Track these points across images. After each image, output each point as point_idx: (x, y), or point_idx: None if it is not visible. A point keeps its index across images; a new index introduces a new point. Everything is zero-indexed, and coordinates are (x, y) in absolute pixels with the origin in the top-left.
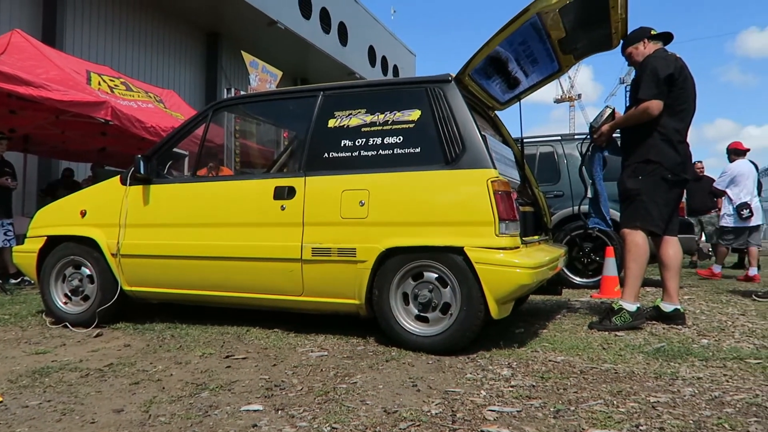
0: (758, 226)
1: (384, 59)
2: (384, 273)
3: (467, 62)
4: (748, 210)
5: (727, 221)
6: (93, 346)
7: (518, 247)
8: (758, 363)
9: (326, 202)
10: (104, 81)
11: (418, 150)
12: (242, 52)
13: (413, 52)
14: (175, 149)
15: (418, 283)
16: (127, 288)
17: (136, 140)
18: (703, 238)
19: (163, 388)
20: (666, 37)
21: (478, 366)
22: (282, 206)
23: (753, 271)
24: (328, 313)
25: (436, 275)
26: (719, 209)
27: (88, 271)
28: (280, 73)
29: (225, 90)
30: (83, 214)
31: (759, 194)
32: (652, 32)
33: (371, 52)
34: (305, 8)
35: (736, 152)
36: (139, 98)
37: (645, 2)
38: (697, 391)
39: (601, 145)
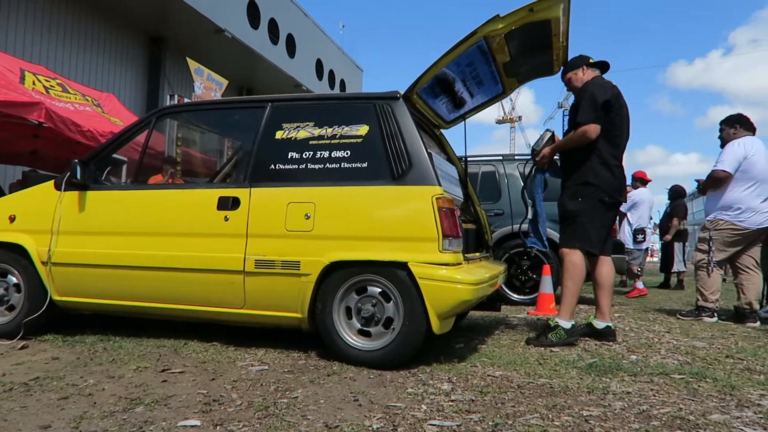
0: (647, 248)
1: (331, 73)
2: (328, 286)
3: (415, 81)
4: (642, 236)
5: (624, 242)
6: (18, 358)
7: (460, 264)
8: (682, 378)
9: (271, 214)
10: (39, 81)
11: (365, 165)
12: (187, 58)
13: (360, 67)
14: (114, 155)
15: (361, 297)
16: (57, 298)
17: (71, 144)
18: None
19: (95, 403)
20: (603, 66)
21: (419, 380)
22: (225, 217)
23: (640, 284)
24: (270, 326)
25: (380, 290)
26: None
27: (15, 280)
28: (225, 82)
29: (168, 97)
30: (12, 219)
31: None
32: (591, 60)
33: (319, 65)
34: (254, 18)
35: (641, 181)
36: (76, 101)
37: (584, 32)
38: (626, 405)
39: (542, 168)
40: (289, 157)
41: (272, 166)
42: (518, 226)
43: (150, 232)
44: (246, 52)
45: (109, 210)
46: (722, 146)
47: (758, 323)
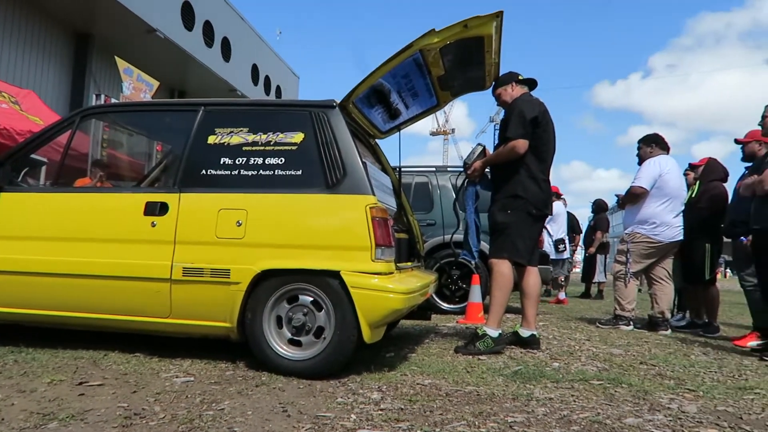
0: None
1: (267, 79)
2: (258, 295)
3: (352, 90)
4: (563, 245)
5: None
6: None
7: (392, 273)
8: (600, 384)
9: (201, 220)
10: None
11: (299, 172)
12: (116, 57)
13: (297, 74)
14: (33, 156)
15: (292, 307)
16: None
17: None
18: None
19: (2, 419)
20: (531, 83)
21: (349, 390)
22: (152, 222)
23: (562, 295)
24: (197, 336)
25: (312, 299)
26: (575, 243)
27: None
28: (156, 84)
29: (94, 96)
30: None
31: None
32: (520, 77)
33: (254, 70)
34: (188, 19)
35: (555, 195)
36: None
37: (514, 51)
38: (548, 411)
39: (474, 181)
40: (222, 162)
41: (204, 172)
42: (450, 236)
43: (69, 237)
44: (179, 53)
45: (26, 213)
46: (640, 164)
47: (669, 331)
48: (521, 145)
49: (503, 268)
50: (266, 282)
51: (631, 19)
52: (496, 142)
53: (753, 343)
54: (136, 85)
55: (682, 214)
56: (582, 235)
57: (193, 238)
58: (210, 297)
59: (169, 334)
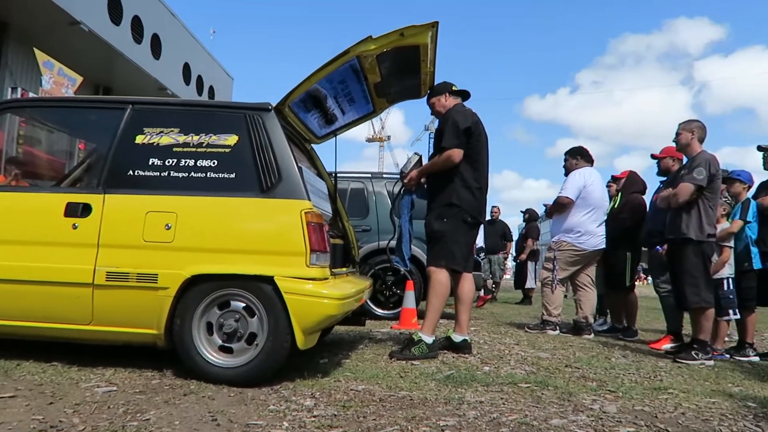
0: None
1: (200, 79)
2: (188, 301)
3: (288, 94)
4: (483, 253)
5: None
6: None
7: (327, 279)
8: (528, 387)
9: (127, 222)
10: None
11: (232, 176)
12: (35, 49)
13: (231, 75)
14: None
15: (224, 312)
16: None
17: None
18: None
19: None
20: (464, 94)
21: (281, 397)
22: (74, 224)
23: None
24: (121, 343)
25: (244, 304)
26: (506, 251)
27: None
28: (80, 79)
29: (10, 89)
30: None
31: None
32: (454, 88)
33: (186, 69)
34: (115, 13)
35: None
36: None
37: (449, 61)
38: (479, 414)
39: (410, 189)
40: (150, 163)
41: (131, 172)
42: (387, 243)
43: None
44: (105, 48)
45: None
46: (566, 175)
47: (592, 335)
48: (456, 154)
49: (441, 276)
50: (196, 287)
51: (561, 36)
52: (431, 151)
53: (667, 345)
54: (57, 80)
55: (604, 224)
56: (513, 243)
57: (118, 241)
58: (136, 303)
59: (91, 342)
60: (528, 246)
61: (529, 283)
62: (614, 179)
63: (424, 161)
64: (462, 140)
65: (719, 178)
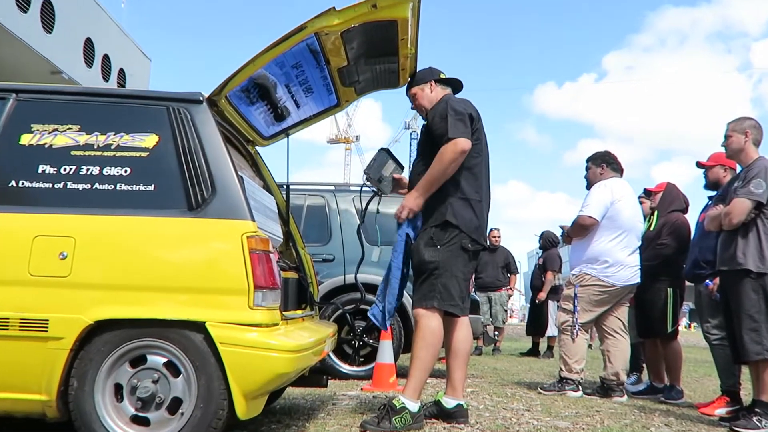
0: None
1: (107, 59)
2: (89, 356)
3: (225, 81)
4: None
5: None
6: None
7: (277, 324)
8: None
9: (7, 250)
10: None
11: (151, 188)
12: None
13: (149, 56)
14: None
15: (138, 371)
16: None
17: None
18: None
19: None
20: (455, 84)
21: None
22: None
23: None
24: None
25: (165, 360)
26: (511, 287)
27: None
28: None
29: None
30: None
31: None
32: (441, 75)
33: (89, 47)
34: None
35: None
36: None
37: (436, 41)
38: None
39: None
40: (40, 171)
41: (12, 183)
42: (355, 270)
43: None
44: None
45: None
46: (588, 187)
47: (626, 397)
48: (465, 144)
49: (432, 322)
50: (101, 337)
51: (584, 7)
52: (414, 157)
53: (721, 410)
54: None
55: (638, 252)
56: (519, 275)
57: None
58: (17, 359)
59: None
60: (548, 280)
61: (552, 330)
62: (648, 194)
63: (406, 166)
64: (468, 127)
65: None
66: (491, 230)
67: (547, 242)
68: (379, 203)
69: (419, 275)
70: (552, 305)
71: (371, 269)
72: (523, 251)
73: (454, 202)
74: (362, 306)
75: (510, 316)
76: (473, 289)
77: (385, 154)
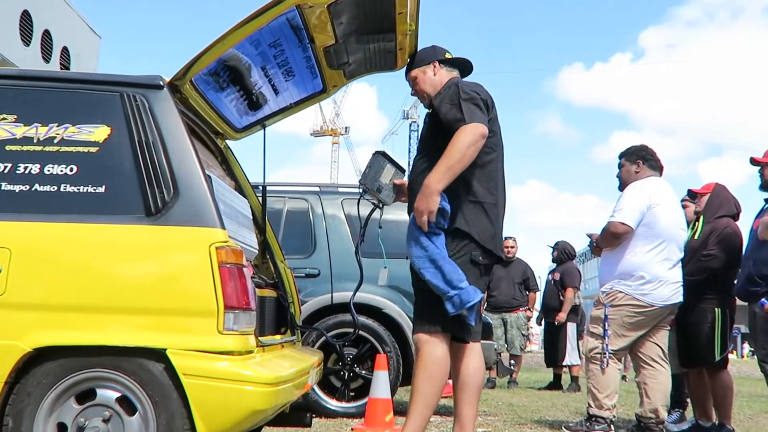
0: None
1: (47, 36)
2: (27, 389)
3: (189, 62)
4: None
5: None
6: None
7: (251, 352)
8: None
9: None
10: None
11: (101, 190)
12: None
13: (98, 33)
14: None
15: (86, 407)
16: None
17: None
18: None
19: None
20: (463, 65)
21: None
22: None
23: None
24: None
25: (118, 394)
26: (530, 307)
27: None
28: None
29: None
30: None
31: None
32: (447, 55)
33: (26, 21)
34: None
35: None
36: None
37: (445, 18)
38: None
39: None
40: None
41: None
42: (351, 295)
43: None
44: None
45: None
46: (621, 188)
47: None
48: (485, 129)
49: (436, 349)
50: (41, 367)
51: None
52: (416, 155)
53: None
54: None
55: (680, 265)
56: (540, 295)
57: None
58: None
59: None
60: (568, 299)
61: (570, 358)
62: (693, 196)
63: (407, 169)
64: (485, 114)
65: None
66: (506, 239)
67: (564, 254)
68: (381, 216)
69: (420, 294)
70: (571, 328)
71: (373, 288)
72: (544, 264)
73: (465, 206)
74: (353, 330)
75: (529, 342)
76: (485, 310)
77: (382, 158)
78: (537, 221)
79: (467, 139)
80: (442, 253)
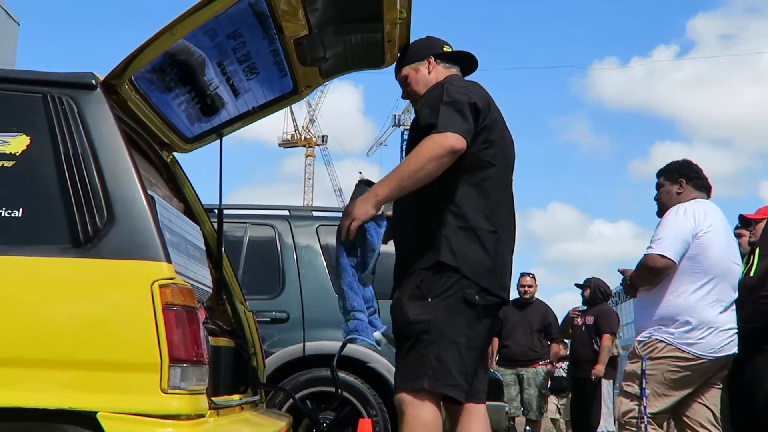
0: None
1: None
2: None
3: (129, 57)
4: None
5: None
6: None
7: (203, 416)
8: None
9: None
10: None
11: (17, 213)
12: None
13: (17, 19)
14: None
15: None
16: None
17: None
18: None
19: None
20: (466, 60)
21: None
22: None
23: None
24: None
25: None
26: (550, 361)
27: None
28: None
29: None
30: None
31: None
32: (445, 48)
33: None
34: None
35: None
36: None
37: (450, 6)
38: None
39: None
40: None
41: None
42: (336, 353)
43: None
44: None
45: None
46: (660, 214)
47: None
48: (455, 141)
49: (423, 411)
50: None
51: None
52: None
53: None
54: None
55: (734, 308)
56: (569, 344)
57: None
58: None
59: None
60: (604, 347)
61: (607, 424)
62: (747, 223)
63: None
64: (469, 122)
65: None
66: (521, 276)
67: (597, 293)
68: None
69: (402, 342)
70: (607, 386)
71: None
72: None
73: (452, 234)
74: (335, 392)
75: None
76: (494, 363)
77: (366, 188)
78: (562, 254)
79: (431, 151)
80: (348, 279)
